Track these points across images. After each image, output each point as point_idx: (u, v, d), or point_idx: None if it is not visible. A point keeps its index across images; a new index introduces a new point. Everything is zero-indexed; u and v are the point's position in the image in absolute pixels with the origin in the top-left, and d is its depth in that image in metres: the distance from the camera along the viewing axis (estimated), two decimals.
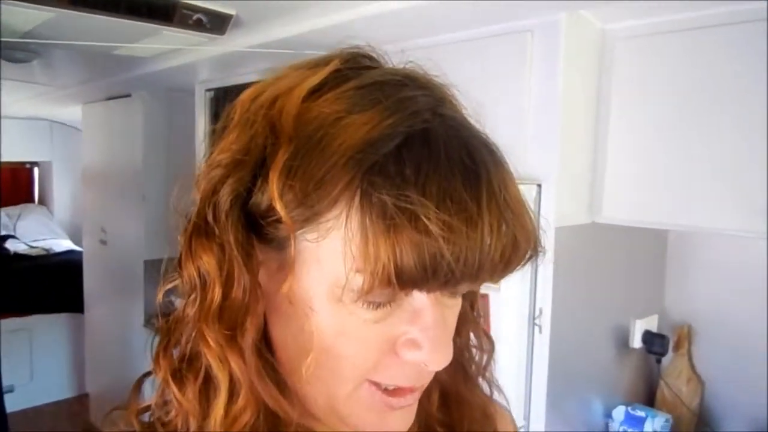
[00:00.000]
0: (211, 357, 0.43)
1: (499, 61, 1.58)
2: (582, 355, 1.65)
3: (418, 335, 0.43)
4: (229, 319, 0.43)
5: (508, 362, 1.52)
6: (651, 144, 1.48)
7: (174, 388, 0.45)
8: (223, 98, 2.58)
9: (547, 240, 1.49)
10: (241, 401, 0.43)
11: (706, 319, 1.81)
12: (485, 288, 1.54)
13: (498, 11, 1.50)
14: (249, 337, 0.44)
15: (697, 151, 1.41)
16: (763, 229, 1.28)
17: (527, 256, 0.44)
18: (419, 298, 0.43)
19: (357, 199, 0.39)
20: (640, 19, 1.48)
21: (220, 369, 0.43)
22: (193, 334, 0.45)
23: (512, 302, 1.52)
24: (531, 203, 1.46)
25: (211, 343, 0.43)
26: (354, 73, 0.46)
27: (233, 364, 0.43)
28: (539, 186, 1.48)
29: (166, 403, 0.48)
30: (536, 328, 1.52)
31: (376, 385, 0.46)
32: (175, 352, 0.48)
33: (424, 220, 0.38)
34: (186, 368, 0.46)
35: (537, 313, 1.51)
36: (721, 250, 1.78)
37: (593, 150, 1.58)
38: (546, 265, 1.49)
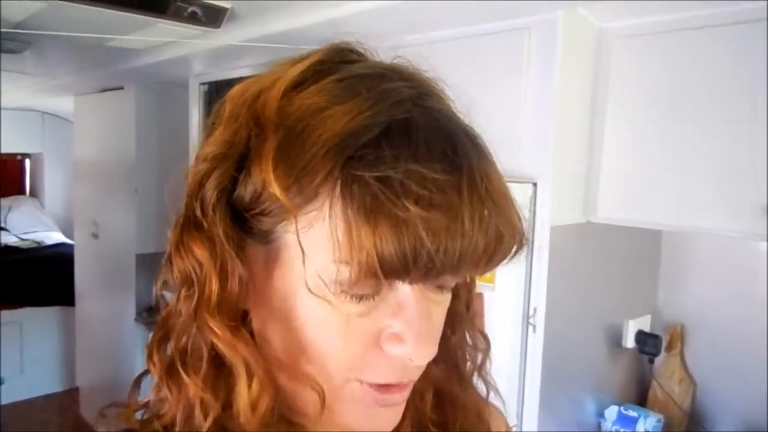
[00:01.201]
0: (222, 344, 0.43)
1: (496, 59, 1.57)
2: (575, 354, 1.65)
3: (402, 329, 0.43)
4: (229, 311, 0.43)
5: (501, 361, 1.51)
6: (647, 144, 1.48)
7: (184, 377, 0.45)
8: (216, 92, 2.56)
9: (542, 239, 1.50)
10: (256, 386, 0.43)
11: (698, 319, 1.82)
12: (480, 286, 1.53)
13: (495, 8, 1.49)
14: (252, 327, 0.45)
15: (694, 151, 1.40)
16: (762, 231, 1.27)
17: (513, 250, 0.44)
18: (403, 291, 0.43)
19: (338, 189, 0.39)
20: (637, 18, 1.48)
21: (234, 356, 0.43)
22: (194, 327, 0.44)
23: (506, 301, 1.51)
24: (526, 202, 1.46)
25: (218, 332, 0.43)
26: (336, 66, 0.46)
27: (244, 351, 0.43)
28: (534, 185, 1.48)
29: (162, 399, 0.47)
30: (530, 327, 1.51)
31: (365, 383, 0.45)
32: (170, 347, 0.47)
33: (403, 205, 0.38)
34: (188, 361, 0.45)
35: (531, 312, 1.51)
36: (713, 251, 1.78)
37: (589, 149, 1.58)
38: (541, 264, 1.48)
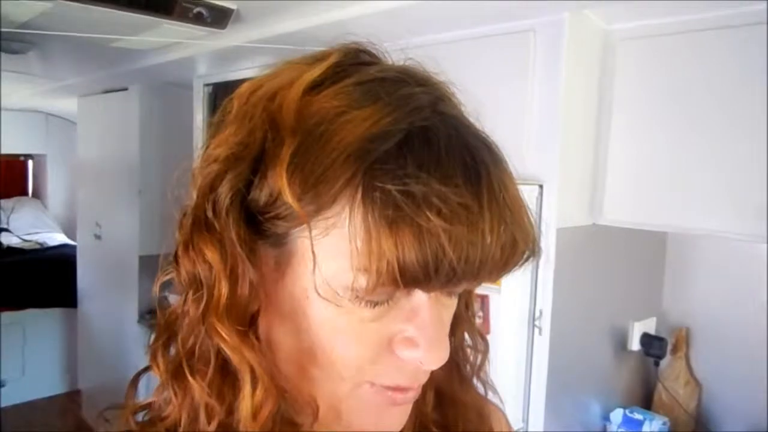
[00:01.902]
0: (228, 350, 0.43)
1: (501, 61, 1.57)
2: (581, 356, 1.65)
3: (415, 334, 0.43)
4: (238, 315, 0.43)
5: (507, 363, 1.51)
6: (652, 146, 1.48)
7: (190, 380, 0.44)
8: (221, 93, 2.56)
9: (548, 241, 1.49)
10: (260, 392, 0.43)
11: (704, 321, 1.81)
12: (486, 289, 1.53)
13: (501, 10, 1.49)
14: (261, 332, 0.44)
15: (698, 153, 1.40)
16: (763, 232, 1.27)
17: (525, 256, 0.44)
18: (418, 296, 0.43)
19: (359, 195, 0.39)
20: (643, 20, 1.48)
21: (240, 361, 0.43)
22: (202, 330, 0.44)
23: (513, 303, 1.51)
24: (532, 204, 1.45)
25: (226, 337, 0.42)
26: (354, 68, 0.45)
27: (250, 357, 0.43)
28: (541, 187, 1.48)
29: (165, 400, 0.47)
30: (536, 330, 1.51)
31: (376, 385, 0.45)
32: (173, 349, 0.47)
33: (426, 217, 0.38)
34: (195, 365, 0.45)
35: (537, 314, 1.50)
36: (719, 253, 1.78)
37: (595, 151, 1.58)
38: (547, 266, 1.48)
